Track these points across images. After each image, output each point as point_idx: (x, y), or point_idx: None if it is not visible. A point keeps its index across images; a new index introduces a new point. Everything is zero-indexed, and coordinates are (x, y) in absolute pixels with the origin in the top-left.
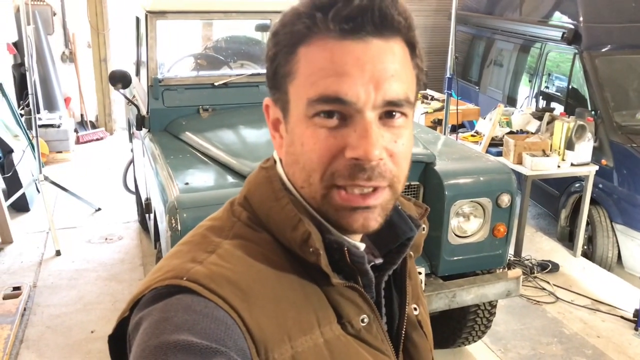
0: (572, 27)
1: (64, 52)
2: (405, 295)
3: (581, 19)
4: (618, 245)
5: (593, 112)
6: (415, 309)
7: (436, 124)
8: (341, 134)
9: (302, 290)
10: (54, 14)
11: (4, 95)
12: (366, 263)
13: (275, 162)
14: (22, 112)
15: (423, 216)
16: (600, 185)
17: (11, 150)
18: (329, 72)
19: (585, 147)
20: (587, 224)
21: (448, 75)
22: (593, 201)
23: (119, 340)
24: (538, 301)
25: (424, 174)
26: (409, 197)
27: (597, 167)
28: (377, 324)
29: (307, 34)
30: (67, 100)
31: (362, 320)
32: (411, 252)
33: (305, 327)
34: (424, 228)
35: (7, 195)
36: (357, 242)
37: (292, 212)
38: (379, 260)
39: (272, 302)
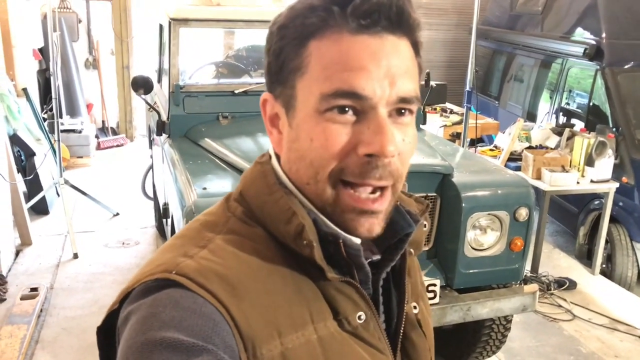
0: (594, 43)
1: (87, 59)
2: (404, 293)
3: (604, 35)
4: (638, 264)
5: (614, 129)
6: (415, 307)
7: (454, 137)
8: (354, 131)
9: (296, 286)
10: (80, 22)
11: (29, 99)
12: (362, 256)
13: (270, 157)
14: (45, 116)
15: (424, 212)
16: (621, 203)
17: (33, 154)
18: (345, 67)
19: (605, 164)
20: (606, 242)
21: (467, 88)
22: (613, 219)
23: (107, 332)
24: (554, 318)
25: (442, 185)
26: (410, 193)
27: (617, 185)
28: (374, 322)
29: (321, 27)
30: (89, 107)
31: (359, 317)
32: (411, 249)
33: (298, 323)
34: (425, 225)
35: (28, 197)
36: (352, 237)
37: (285, 206)
38: (377, 257)
39: (262, 297)
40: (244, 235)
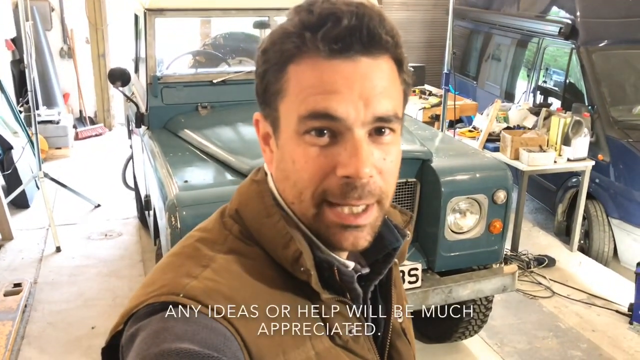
0: (569, 22)
1: (62, 48)
2: (391, 304)
3: (578, 14)
4: (614, 240)
5: (590, 107)
6: (399, 316)
7: (434, 119)
8: (332, 153)
9: (295, 305)
10: (52, 10)
11: (3, 91)
12: (355, 282)
13: (266, 174)
14: (22, 108)
15: (408, 224)
16: (597, 180)
17: (11, 147)
18: (319, 90)
19: (581, 143)
20: (584, 218)
21: (446, 70)
22: (589, 196)
23: (111, 352)
24: (534, 296)
25: (421, 171)
26: (394, 204)
27: (593, 162)
28: (363, 334)
29: (297, 53)
30: (65, 96)
31: (350, 331)
32: (396, 260)
33: (298, 340)
34: (408, 235)
35: (7, 192)
36: (345, 261)
37: (283, 230)
38: (366, 270)
39: (267, 317)
40: (244, 255)
